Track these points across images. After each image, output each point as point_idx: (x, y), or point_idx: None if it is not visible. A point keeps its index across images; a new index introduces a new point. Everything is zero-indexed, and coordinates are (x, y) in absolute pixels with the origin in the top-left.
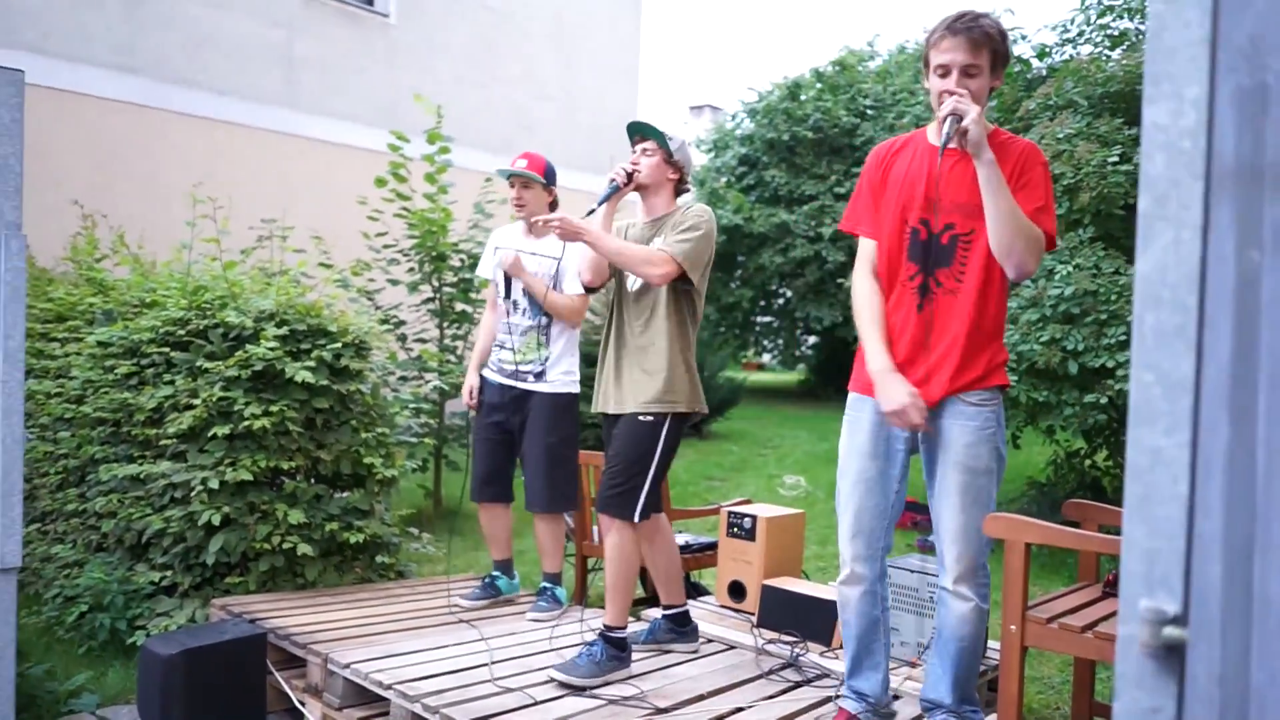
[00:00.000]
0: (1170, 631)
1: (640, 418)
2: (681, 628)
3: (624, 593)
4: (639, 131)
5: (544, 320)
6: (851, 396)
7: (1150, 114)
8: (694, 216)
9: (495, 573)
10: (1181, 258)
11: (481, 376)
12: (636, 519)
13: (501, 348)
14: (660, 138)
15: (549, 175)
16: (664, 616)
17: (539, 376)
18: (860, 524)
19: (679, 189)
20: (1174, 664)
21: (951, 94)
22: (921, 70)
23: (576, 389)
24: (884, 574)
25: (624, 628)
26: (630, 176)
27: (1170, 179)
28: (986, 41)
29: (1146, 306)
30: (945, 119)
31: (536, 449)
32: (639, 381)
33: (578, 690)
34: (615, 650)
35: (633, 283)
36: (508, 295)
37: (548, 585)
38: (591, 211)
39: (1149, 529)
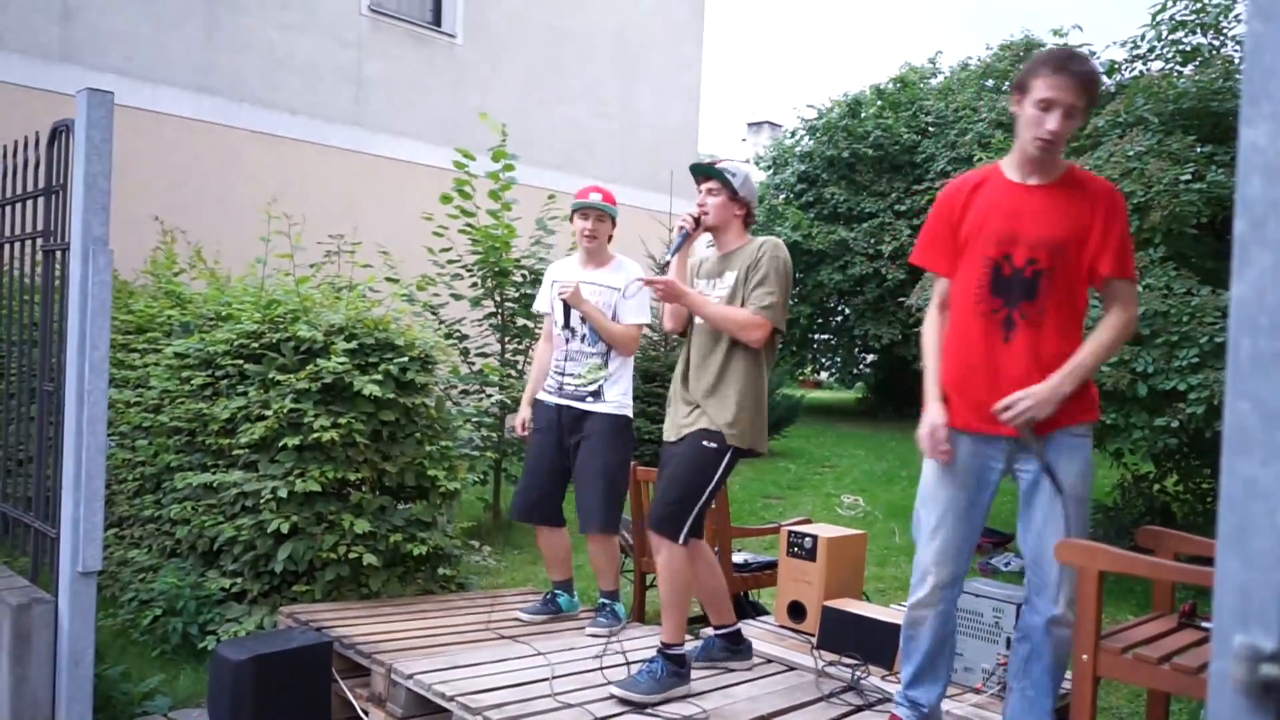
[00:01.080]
0: (1268, 669)
1: (705, 443)
2: (735, 645)
3: (678, 610)
4: (702, 173)
5: (604, 348)
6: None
7: (1248, 135)
8: (768, 260)
9: (556, 591)
10: None
11: (536, 401)
12: (681, 540)
13: (561, 374)
14: (722, 177)
15: (614, 210)
16: (716, 635)
17: (596, 396)
18: (947, 552)
19: (747, 222)
20: (1271, 703)
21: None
22: (1014, 94)
23: (631, 412)
24: (958, 596)
25: (681, 644)
26: (698, 222)
27: (1268, 201)
28: (1091, 87)
29: (1243, 332)
30: None
31: (592, 470)
32: (708, 413)
33: (638, 707)
34: (675, 667)
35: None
36: (566, 324)
37: (606, 601)
38: (666, 264)
39: (1244, 561)
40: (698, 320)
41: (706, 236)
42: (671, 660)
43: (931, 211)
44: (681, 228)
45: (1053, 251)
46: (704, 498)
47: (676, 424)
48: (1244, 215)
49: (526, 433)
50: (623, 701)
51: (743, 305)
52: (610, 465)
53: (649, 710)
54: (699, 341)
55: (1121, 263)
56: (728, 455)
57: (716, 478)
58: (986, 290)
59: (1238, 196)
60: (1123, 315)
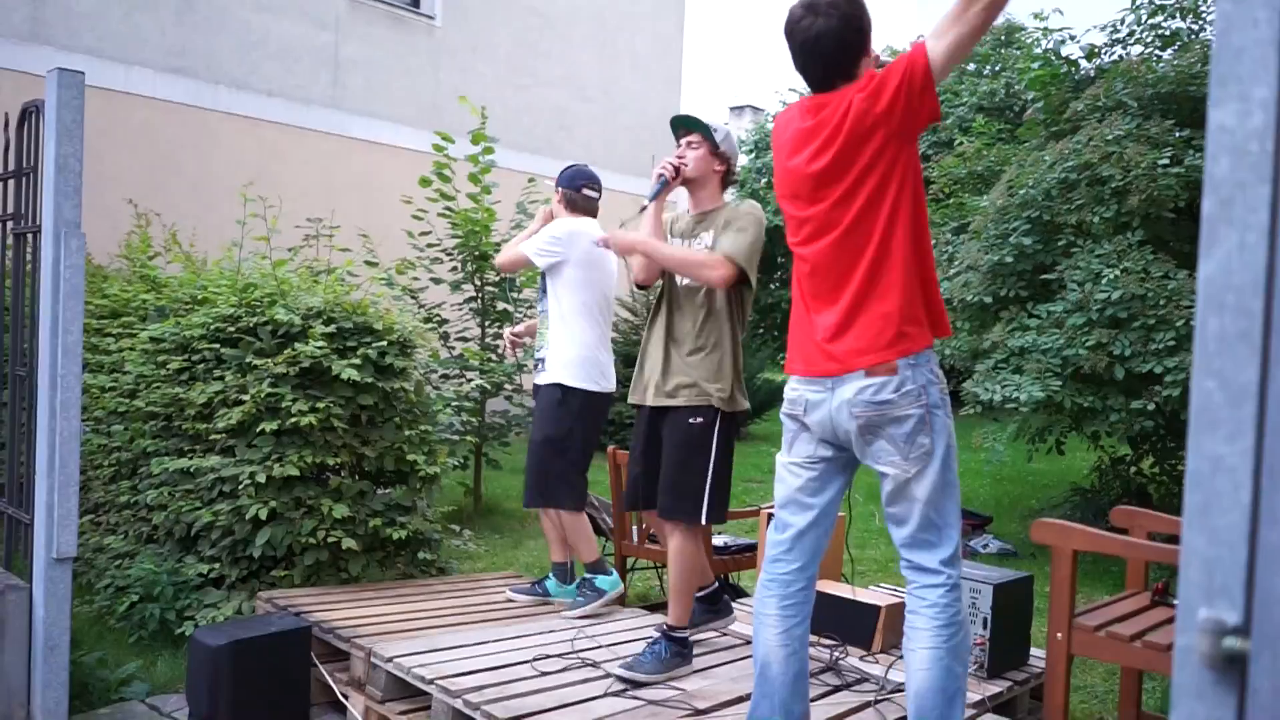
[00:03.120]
0: (1231, 642)
1: (690, 420)
2: (714, 605)
3: (687, 595)
4: (683, 125)
5: (546, 303)
6: None
7: (1216, 116)
8: (744, 215)
9: (550, 575)
10: (1247, 262)
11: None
12: (703, 520)
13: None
14: (705, 130)
15: (561, 178)
16: (697, 600)
17: (541, 364)
18: None
19: (726, 180)
20: (1234, 676)
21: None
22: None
23: (579, 383)
24: None
25: (686, 628)
26: (678, 171)
27: (1236, 182)
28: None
29: (1209, 311)
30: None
31: (532, 443)
32: (691, 381)
33: (641, 686)
34: (679, 648)
35: (683, 278)
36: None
37: (588, 576)
38: (643, 209)
39: (1209, 537)
40: (677, 283)
41: (682, 200)
42: (675, 642)
43: None
44: (660, 175)
45: None
46: (710, 473)
47: (654, 389)
48: (1212, 195)
49: (509, 342)
50: (626, 681)
51: None
52: (537, 441)
53: (629, 693)
54: (677, 304)
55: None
56: (717, 422)
57: (714, 448)
58: None
59: (1206, 176)
60: None
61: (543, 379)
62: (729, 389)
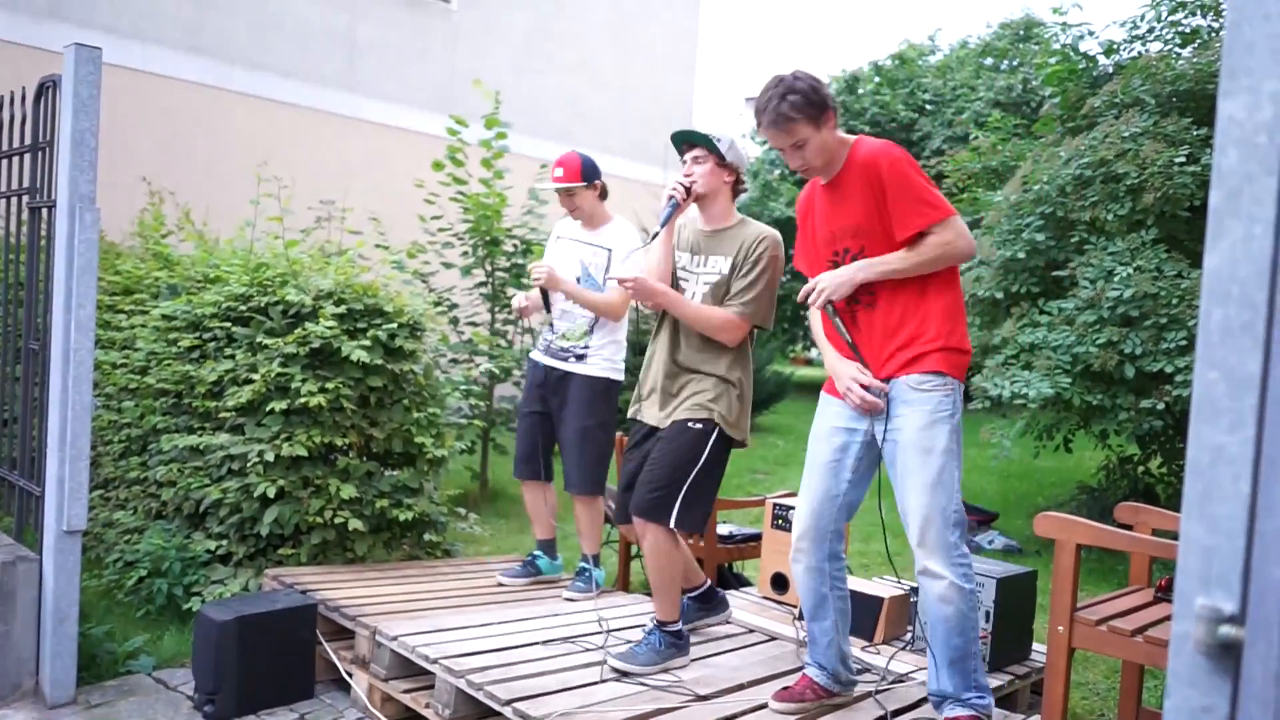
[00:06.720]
0: (1226, 630)
1: (689, 424)
2: (708, 603)
3: (671, 589)
4: (685, 140)
5: (592, 315)
6: (821, 397)
7: (1226, 108)
8: (765, 261)
9: (537, 552)
10: (1252, 254)
11: (529, 359)
12: (672, 524)
13: (551, 330)
14: (708, 142)
15: (587, 173)
16: (689, 598)
17: (580, 358)
18: (809, 505)
19: (736, 190)
20: (1229, 663)
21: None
22: None
23: (619, 376)
24: (833, 555)
25: (676, 621)
26: (688, 191)
27: (1243, 174)
28: (789, 121)
29: (1214, 302)
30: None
31: (572, 431)
32: (694, 403)
33: (636, 677)
34: (673, 639)
35: (692, 298)
36: (548, 308)
37: (585, 566)
38: (655, 235)
39: (1208, 526)
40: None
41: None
42: (670, 634)
43: (797, 221)
44: (671, 197)
45: (853, 235)
46: (691, 477)
47: (657, 410)
48: (1219, 186)
49: (522, 306)
50: (621, 672)
51: (726, 296)
52: (589, 427)
53: (628, 679)
54: (685, 326)
55: (912, 220)
56: (714, 434)
57: (704, 457)
58: None
59: (1214, 168)
60: (940, 238)
61: (586, 370)
62: (728, 414)
